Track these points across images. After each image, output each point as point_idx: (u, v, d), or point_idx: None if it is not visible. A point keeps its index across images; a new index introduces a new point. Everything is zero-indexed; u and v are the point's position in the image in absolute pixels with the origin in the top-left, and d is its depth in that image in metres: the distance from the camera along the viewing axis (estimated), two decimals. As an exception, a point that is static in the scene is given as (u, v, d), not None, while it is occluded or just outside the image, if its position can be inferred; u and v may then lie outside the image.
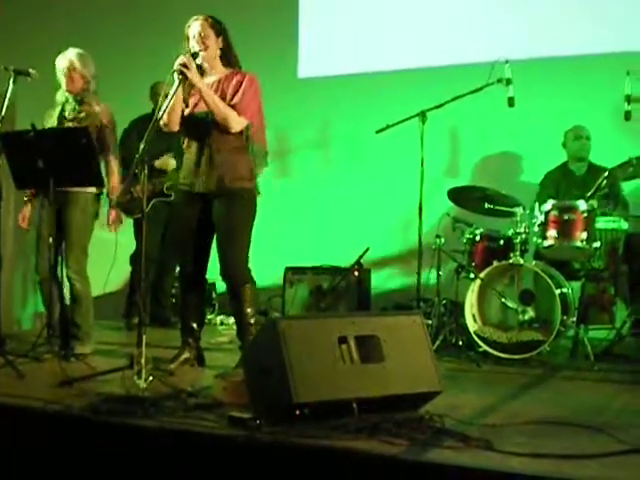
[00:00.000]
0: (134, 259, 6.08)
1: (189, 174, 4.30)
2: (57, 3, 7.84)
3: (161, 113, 4.02)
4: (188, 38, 4.23)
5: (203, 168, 4.23)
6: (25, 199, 4.82)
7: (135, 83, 6.91)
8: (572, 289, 4.97)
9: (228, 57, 4.30)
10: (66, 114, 4.71)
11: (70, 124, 4.64)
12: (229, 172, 4.20)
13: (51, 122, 4.70)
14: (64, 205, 4.61)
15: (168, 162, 6.00)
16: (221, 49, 4.27)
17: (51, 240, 4.40)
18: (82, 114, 4.66)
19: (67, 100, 4.73)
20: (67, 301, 4.77)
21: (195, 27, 4.20)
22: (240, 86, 4.21)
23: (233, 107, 4.17)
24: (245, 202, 4.27)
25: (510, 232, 4.98)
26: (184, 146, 4.36)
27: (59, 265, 4.67)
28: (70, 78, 4.66)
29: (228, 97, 4.21)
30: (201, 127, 4.24)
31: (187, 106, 4.27)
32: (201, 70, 4.21)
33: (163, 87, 4.16)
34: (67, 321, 4.74)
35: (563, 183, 5.55)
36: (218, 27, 4.24)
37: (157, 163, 5.95)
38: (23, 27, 7.76)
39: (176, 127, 4.26)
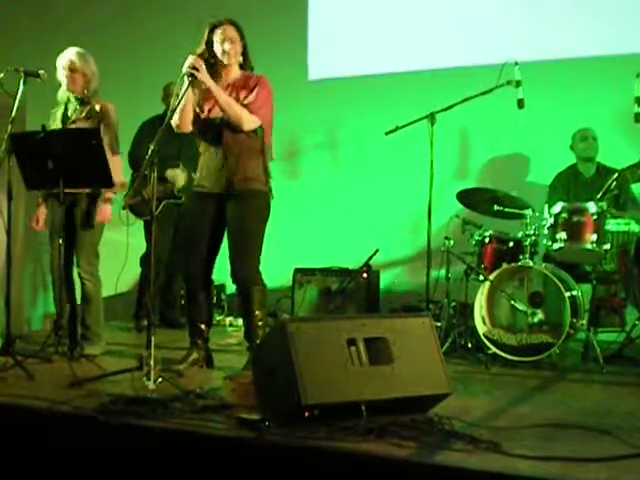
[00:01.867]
0: (144, 261, 6.10)
1: (204, 176, 4.32)
2: (63, 5, 7.85)
3: (171, 115, 4.05)
4: (209, 41, 4.23)
5: (218, 169, 4.25)
6: (39, 201, 4.83)
7: (142, 84, 6.94)
8: (582, 292, 4.95)
9: (245, 60, 4.33)
10: (69, 113, 4.72)
11: (74, 125, 4.64)
12: (243, 173, 4.23)
13: (55, 124, 4.71)
14: (76, 206, 4.64)
15: (179, 176, 5.96)
16: (241, 53, 4.31)
17: (61, 241, 4.42)
18: (84, 114, 4.67)
19: (69, 100, 4.74)
20: (77, 302, 4.79)
21: (223, 32, 4.22)
22: (254, 87, 4.25)
23: (246, 106, 4.19)
24: (259, 204, 4.29)
25: (520, 234, 4.97)
26: (200, 149, 4.38)
27: (71, 265, 4.70)
28: (71, 78, 4.67)
29: (242, 97, 4.23)
30: (215, 130, 4.25)
31: (202, 111, 4.29)
32: (216, 71, 4.23)
33: (174, 88, 4.19)
34: (75, 322, 4.76)
35: (572, 185, 5.53)
36: (241, 31, 4.28)
37: (168, 173, 5.94)
38: (29, 29, 7.79)
39: (188, 128, 4.28)
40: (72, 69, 4.66)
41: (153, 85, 6.32)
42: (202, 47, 4.23)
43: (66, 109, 4.74)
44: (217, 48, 4.23)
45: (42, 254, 7.48)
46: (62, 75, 4.68)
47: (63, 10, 7.78)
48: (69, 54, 4.68)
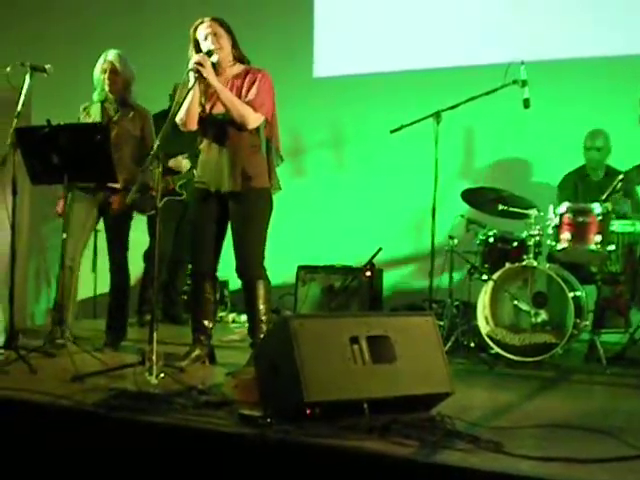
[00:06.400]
0: (147, 256, 6.10)
1: (205, 173, 4.32)
2: (62, 2, 7.85)
3: (176, 111, 4.06)
4: (196, 41, 4.23)
5: (220, 167, 4.24)
6: (60, 194, 4.88)
7: (141, 83, 6.92)
8: (586, 292, 4.94)
9: (237, 53, 4.31)
10: (110, 113, 4.82)
11: (116, 126, 4.72)
12: (246, 171, 4.22)
13: (93, 120, 4.80)
14: (107, 201, 4.81)
15: (182, 163, 6.02)
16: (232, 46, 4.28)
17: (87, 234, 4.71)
18: (129, 116, 4.80)
19: (107, 100, 4.83)
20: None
21: (205, 28, 4.20)
22: (254, 82, 4.23)
23: (248, 103, 4.19)
24: (262, 201, 4.29)
25: (524, 234, 4.96)
26: (200, 146, 4.38)
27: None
28: (111, 79, 4.77)
29: (243, 93, 4.23)
30: (218, 127, 4.25)
31: (203, 109, 4.28)
32: (215, 69, 4.22)
33: (179, 87, 4.21)
34: (113, 314, 4.93)
35: (581, 186, 5.51)
36: (226, 25, 4.25)
37: (171, 163, 5.97)
38: (28, 26, 7.78)
39: (194, 126, 4.28)
40: (112, 70, 4.77)
41: (150, 84, 6.31)
42: (191, 50, 4.23)
43: (103, 108, 4.83)
44: (203, 46, 4.21)
45: (46, 249, 7.50)
46: (101, 76, 4.78)
47: (60, 9, 7.77)
48: (110, 56, 4.79)
